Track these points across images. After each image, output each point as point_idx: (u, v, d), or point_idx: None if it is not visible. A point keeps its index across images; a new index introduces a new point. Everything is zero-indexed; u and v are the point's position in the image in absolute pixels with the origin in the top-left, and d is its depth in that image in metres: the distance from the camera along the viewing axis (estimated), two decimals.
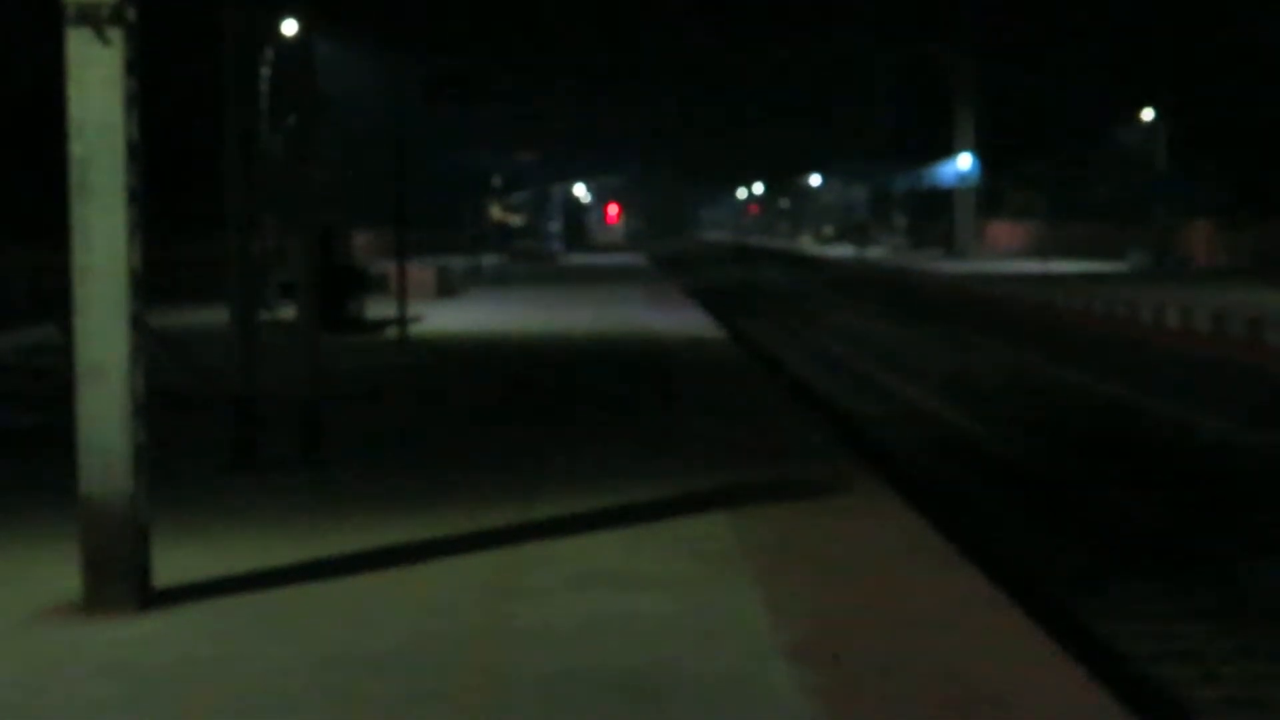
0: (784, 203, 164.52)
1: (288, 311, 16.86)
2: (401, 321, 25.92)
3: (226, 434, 13.26)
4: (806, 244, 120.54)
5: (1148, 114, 63.45)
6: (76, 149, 8.19)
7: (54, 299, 16.79)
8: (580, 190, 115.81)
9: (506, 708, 6.74)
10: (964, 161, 77.67)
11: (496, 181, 71.40)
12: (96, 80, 8.14)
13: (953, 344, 31.90)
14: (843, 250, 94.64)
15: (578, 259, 77.94)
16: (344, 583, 9.00)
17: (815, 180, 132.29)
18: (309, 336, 13.88)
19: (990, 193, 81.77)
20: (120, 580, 8.28)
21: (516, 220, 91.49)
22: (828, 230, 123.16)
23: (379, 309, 30.63)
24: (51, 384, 16.65)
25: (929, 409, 21.86)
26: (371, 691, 6.96)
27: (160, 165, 10.80)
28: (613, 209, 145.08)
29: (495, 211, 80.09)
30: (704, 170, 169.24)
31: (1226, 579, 11.72)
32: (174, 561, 9.14)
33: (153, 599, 8.43)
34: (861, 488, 11.91)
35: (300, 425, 13.47)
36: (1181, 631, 10.40)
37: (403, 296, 26.23)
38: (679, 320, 31.59)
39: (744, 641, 7.67)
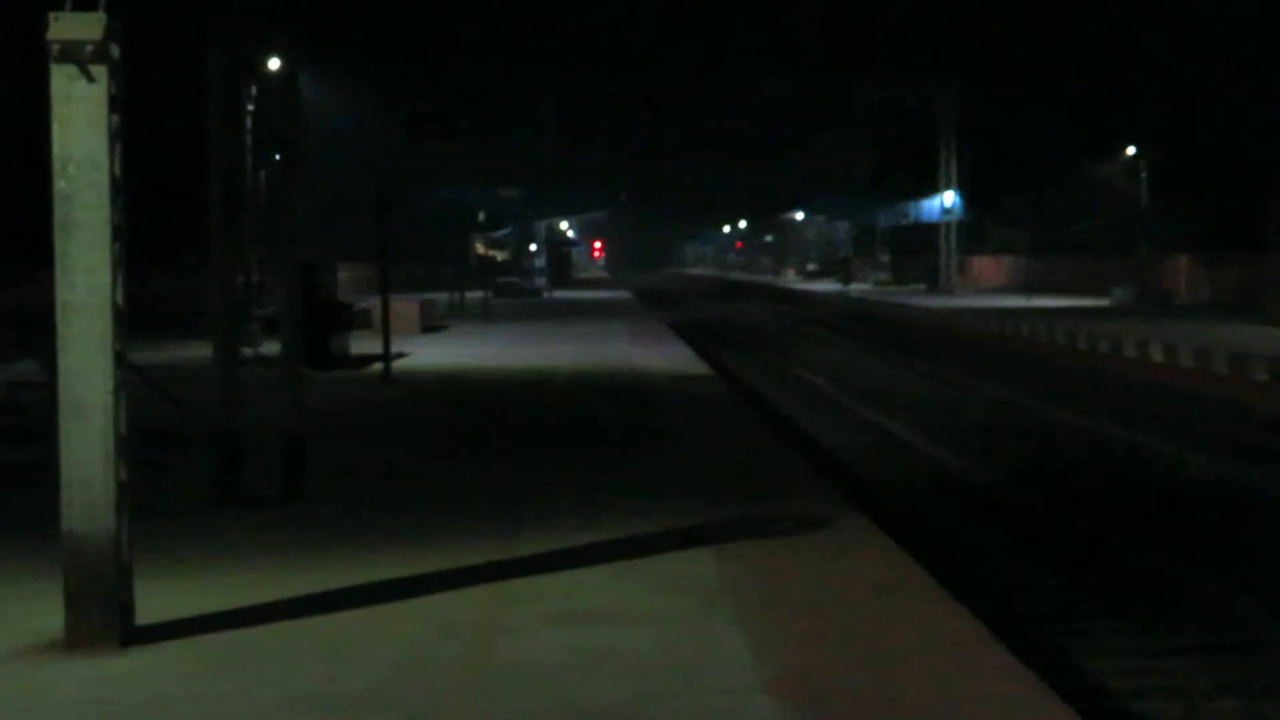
0: (768, 238, 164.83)
1: (271, 347, 16.83)
2: (385, 358, 25.90)
3: (209, 470, 13.23)
4: (790, 279, 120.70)
5: (1130, 150, 63.74)
6: (60, 185, 8.19)
7: (37, 334, 16.74)
8: (564, 226, 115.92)
9: None
10: (947, 197, 77.91)
11: (480, 217, 71.47)
12: (80, 117, 8.14)
13: (937, 380, 31.94)
14: (826, 285, 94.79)
15: (562, 294, 77.94)
16: (326, 620, 8.98)
17: (798, 216, 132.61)
18: (292, 372, 13.86)
19: (973, 228, 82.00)
20: (102, 617, 8.25)
21: (501, 255, 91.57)
22: (812, 265, 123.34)
23: (363, 345, 30.59)
24: (34, 419, 16.60)
25: (915, 445, 21.88)
26: None
27: (144, 201, 10.80)
28: (596, 245, 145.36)
29: (479, 247, 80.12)
30: (688, 205, 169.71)
31: (1211, 615, 11.72)
32: (156, 598, 9.10)
33: (134, 636, 8.40)
34: (845, 524, 11.90)
35: (283, 461, 13.44)
36: (1165, 667, 10.41)
37: (386, 332, 26.22)
38: (663, 356, 31.60)
39: (726, 678, 7.65)
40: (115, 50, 8.19)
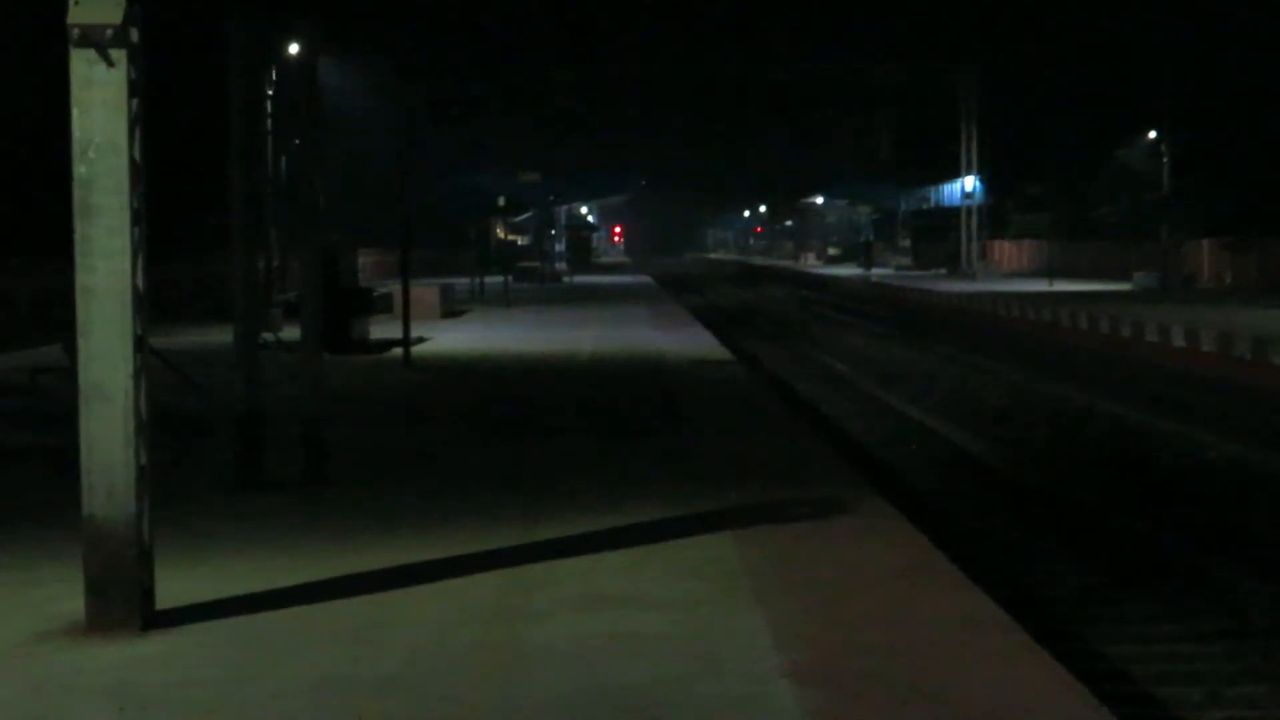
0: (788, 222, 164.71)
1: (292, 332, 16.84)
2: (405, 342, 25.92)
3: (230, 454, 13.25)
4: (811, 263, 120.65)
5: (1151, 133, 63.55)
6: (80, 170, 8.19)
7: (59, 319, 16.78)
8: (584, 210, 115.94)
9: None
10: (969, 182, 77.74)
11: (500, 202, 71.54)
12: (100, 101, 8.14)
13: (959, 365, 31.87)
14: (847, 270, 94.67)
15: (582, 279, 77.94)
16: (347, 604, 8.98)
17: (819, 200, 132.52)
18: (312, 356, 13.87)
19: (995, 213, 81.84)
20: (123, 601, 8.26)
21: (521, 240, 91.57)
22: (833, 250, 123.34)
23: (384, 330, 30.63)
24: (56, 404, 16.64)
25: (935, 430, 21.85)
26: (374, 713, 6.93)
27: (164, 185, 10.82)
28: (617, 229, 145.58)
29: (500, 231, 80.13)
30: (708, 190, 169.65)
31: (1234, 600, 11.69)
32: (177, 582, 9.12)
33: (155, 620, 8.41)
34: (866, 508, 11.88)
35: (304, 446, 13.45)
36: (1187, 653, 10.38)
37: (406, 317, 26.24)
38: (684, 341, 31.57)
39: (747, 663, 7.64)
40: (135, 34, 8.18)
